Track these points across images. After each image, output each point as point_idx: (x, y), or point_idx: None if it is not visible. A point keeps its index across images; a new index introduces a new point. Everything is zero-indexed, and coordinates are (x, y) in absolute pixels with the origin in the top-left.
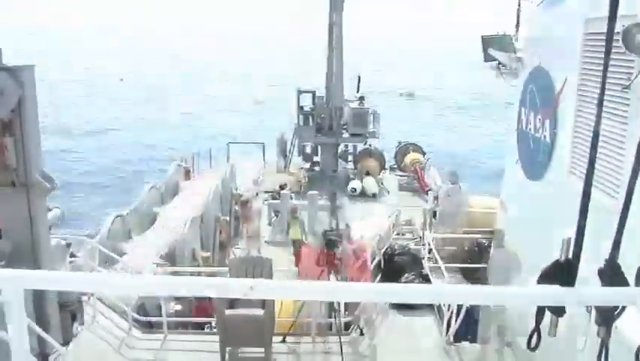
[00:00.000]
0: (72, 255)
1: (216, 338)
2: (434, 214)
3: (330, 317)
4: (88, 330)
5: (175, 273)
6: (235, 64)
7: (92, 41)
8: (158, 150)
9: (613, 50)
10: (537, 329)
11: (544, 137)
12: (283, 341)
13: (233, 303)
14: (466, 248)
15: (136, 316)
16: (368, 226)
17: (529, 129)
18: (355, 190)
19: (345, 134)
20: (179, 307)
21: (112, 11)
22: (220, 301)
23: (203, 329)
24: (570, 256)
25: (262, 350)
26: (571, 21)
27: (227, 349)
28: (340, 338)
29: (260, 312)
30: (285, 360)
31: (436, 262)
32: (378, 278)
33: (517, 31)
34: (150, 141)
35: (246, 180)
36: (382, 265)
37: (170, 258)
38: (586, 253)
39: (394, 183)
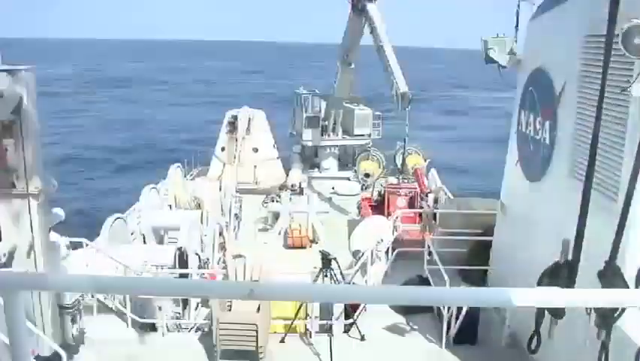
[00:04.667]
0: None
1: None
2: (434, 216)
3: (328, 319)
4: (87, 332)
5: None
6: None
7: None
8: (158, 149)
9: (612, 53)
10: (537, 331)
11: (544, 139)
12: (281, 341)
13: (228, 304)
14: (466, 250)
15: (135, 317)
16: (369, 228)
17: (529, 131)
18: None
19: (347, 136)
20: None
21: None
22: (214, 302)
23: (203, 329)
24: (570, 257)
25: (257, 350)
26: (571, 23)
27: (223, 350)
28: (330, 339)
29: (254, 313)
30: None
31: (436, 263)
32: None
33: (516, 33)
34: (150, 139)
35: None
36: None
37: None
38: (586, 254)
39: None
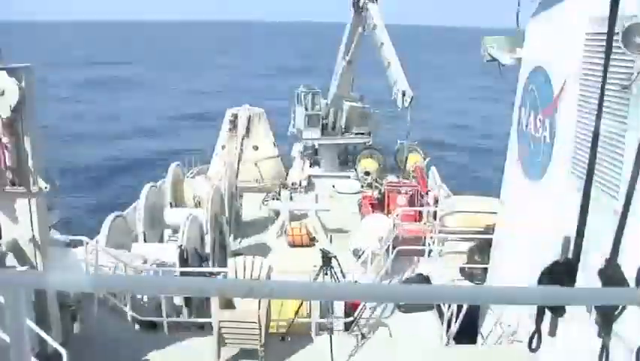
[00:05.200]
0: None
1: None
2: (434, 215)
3: (328, 317)
4: (88, 330)
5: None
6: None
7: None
8: (159, 147)
9: (613, 50)
10: (538, 329)
11: (544, 137)
12: (282, 340)
13: (228, 302)
14: (467, 248)
15: (136, 315)
16: (370, 227)
17: (529, 129)
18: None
19: (348, 134)
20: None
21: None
22: (215, 300)
23: (204, 328)
24: (570, 256)
25: (257, 349)
26: (571, 21)
27: (223, 348)
28: (331, 337)
29: (255, 311)
30: (282, 360)
31: (436, 262)
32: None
33: (517, 31)
34: (151, 138)
35: None
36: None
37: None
38: (586, 252)
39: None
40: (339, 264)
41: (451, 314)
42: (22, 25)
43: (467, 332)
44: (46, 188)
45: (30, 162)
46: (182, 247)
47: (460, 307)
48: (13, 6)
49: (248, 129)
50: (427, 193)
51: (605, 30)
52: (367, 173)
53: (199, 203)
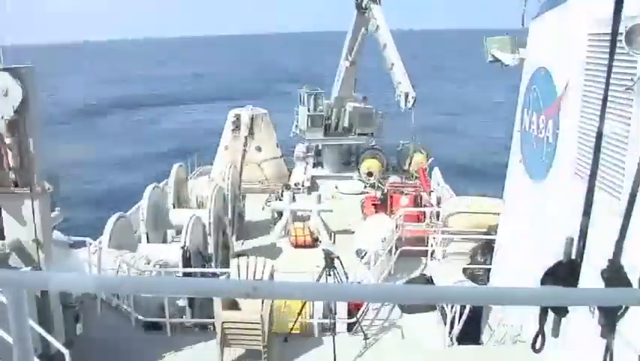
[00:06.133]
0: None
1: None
2: (437, 216)
3: (331, 318)
4: (91, 331)
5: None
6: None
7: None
8: (161, 147)
9: (617, 51)
10: (541, 330)
11: (548, 137)
12: (285, 341)
13: (232, 303)
14: (470, 249)
15: (139, 316)
16: (372, 227)
17: (533, 130)
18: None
19: (351, 134)
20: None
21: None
22: (218, 301)
23: (207, 329)
24: (573, 256)
25: (260, 349)
26: (575, 21)
27: (226, 349)
28: (334, 338)
29: (258, 312)
30: (285, 360)
31: (440, 262)
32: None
33: (521, 31)
34: (152, 137)
35: None
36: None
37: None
38: (589, 253)
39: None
40: (342, 264)
41: (454, 315)
42: None
43: (470, 332)
44: (49, 189)
45: (32, 163)
46: (185, 248)
47: (462, 308)
48: None
49: (251, 130)
50: (429, 194)
51: (609, 30)
52: (370, 173)
53: (202, 204)
